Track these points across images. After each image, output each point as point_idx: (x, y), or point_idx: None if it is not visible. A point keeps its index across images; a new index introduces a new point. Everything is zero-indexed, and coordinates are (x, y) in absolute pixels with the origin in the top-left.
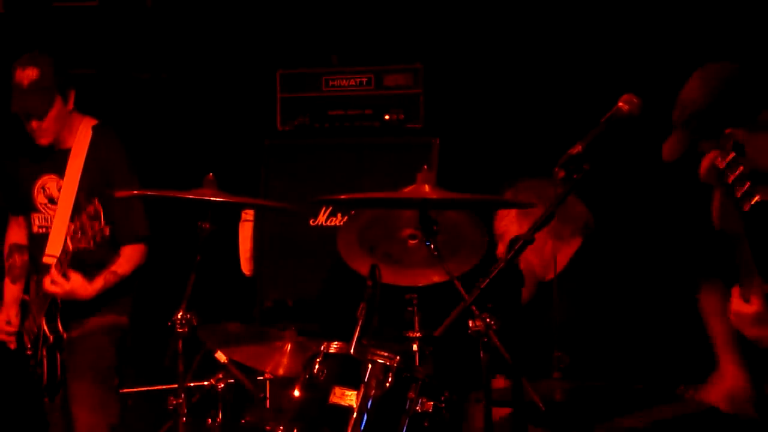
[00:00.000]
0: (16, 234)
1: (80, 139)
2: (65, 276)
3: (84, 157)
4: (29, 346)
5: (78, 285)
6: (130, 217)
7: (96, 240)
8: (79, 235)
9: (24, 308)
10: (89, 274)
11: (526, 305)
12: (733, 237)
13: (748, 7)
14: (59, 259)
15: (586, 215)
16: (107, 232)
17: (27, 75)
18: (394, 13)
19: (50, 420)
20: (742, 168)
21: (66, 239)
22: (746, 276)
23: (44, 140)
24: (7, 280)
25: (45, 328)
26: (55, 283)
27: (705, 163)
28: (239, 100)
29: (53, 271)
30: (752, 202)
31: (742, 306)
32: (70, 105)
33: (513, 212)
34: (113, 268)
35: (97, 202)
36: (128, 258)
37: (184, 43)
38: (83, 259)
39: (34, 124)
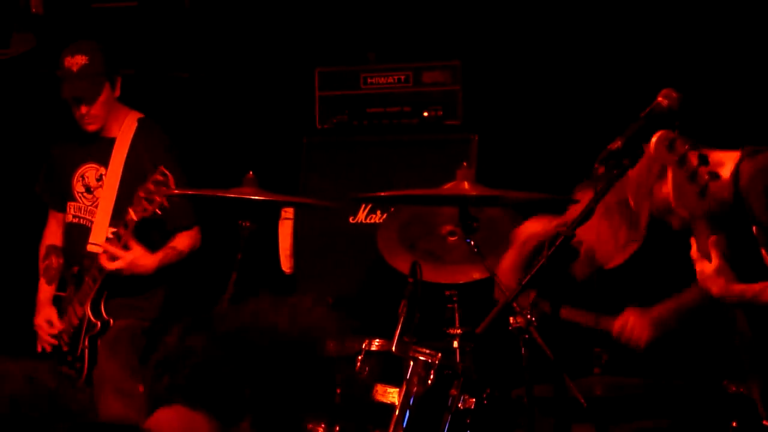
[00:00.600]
0: (54, 235)
1: (125, 130)
2: (126, 247)
3: (128, 148)
4: (67, 341)
5: (140, 255)
6: (178, 207)
7: (164, 205)
8: (145, 204)
9: (58, 306)
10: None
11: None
12: (691, 213)
13: None
14: (117, 233)
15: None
16: (176, 197)
17: (76, 61)
18: (431, 10)
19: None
20: (688, 144)
21: (129, 210)
22: (701, 234)
23: (92, 126)
24: (42, 281)
25: (90, 315)
26: (115, 258)
27: (653, 140)
28: (278, 98)
29: (109, 247)
30: (706, 177)
31: (704, 265)
32: (117, 92)
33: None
34: (172, 243)
35: (163, 168)
36: (185, 238)
37: (222, 42)
38: (144, 233)
39: (83, 109)
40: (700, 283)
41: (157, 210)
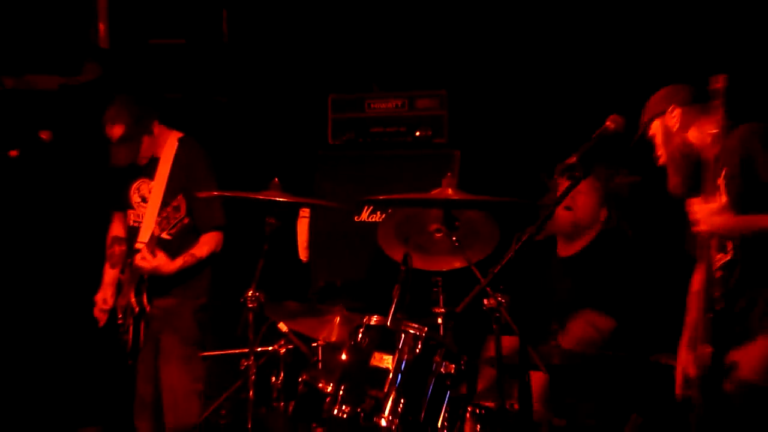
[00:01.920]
0: (117, 227)
1: (168, 149)
2: (153, 254)
3: (170, 164)
4: (120, 316)
5: (162, 262)
6: (209, 209)
7: (177, 228)
8: (164, 224)
9: (119, 287)
10: (172, 255)
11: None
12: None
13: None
14: (148, 242)
15: (606, 213)
16: (186, 221)
17: (114, 132)
18: (422, 49)
19: (135, 379)
20: None
21: (155, 227)
22: (711, 189)
23: (143, 162)
24: (107, 265)
25: (133, 300)
26: (144, 259)
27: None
28: (298, 119)
29: (144, 249)
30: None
31: (704, 205)
32: (156, 130)
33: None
34: (192, 251)
35: (180, 197)
36: (205, 243)
37: (254, 72)
38: (167, 244)
39: (131, 159)
40: (695, 220)
41: (172, 231)
